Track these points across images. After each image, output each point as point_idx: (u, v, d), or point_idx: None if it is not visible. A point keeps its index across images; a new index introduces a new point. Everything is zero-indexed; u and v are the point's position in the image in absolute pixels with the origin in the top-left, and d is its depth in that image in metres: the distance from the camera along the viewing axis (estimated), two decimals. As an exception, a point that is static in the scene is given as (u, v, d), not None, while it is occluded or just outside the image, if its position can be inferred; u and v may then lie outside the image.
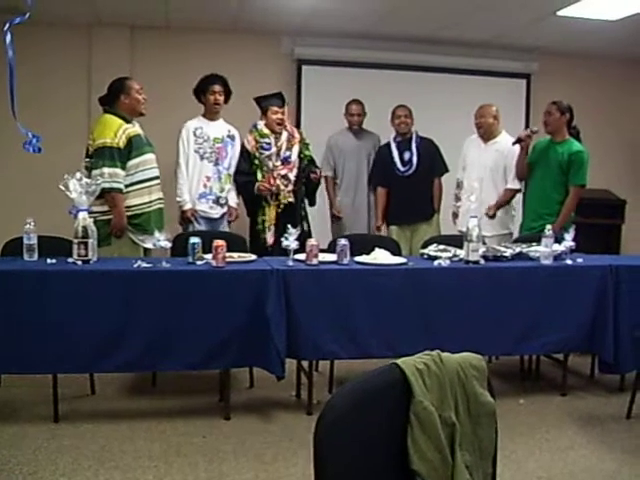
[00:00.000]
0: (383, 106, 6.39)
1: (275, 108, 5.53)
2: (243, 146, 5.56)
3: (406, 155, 6.00)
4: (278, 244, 4.39)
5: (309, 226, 5.66)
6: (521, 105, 7.76)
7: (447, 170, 6.11)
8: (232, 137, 5.61)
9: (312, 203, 5.87)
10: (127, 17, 6.64)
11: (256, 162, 5.48)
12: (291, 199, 5.46)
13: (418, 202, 6.03)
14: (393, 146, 6.07)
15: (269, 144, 5.49)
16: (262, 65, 7.16)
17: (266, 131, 5.52)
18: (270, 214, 5.43)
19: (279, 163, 5.46)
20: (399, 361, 1.63)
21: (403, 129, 6.01)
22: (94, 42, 6.87)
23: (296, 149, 5.56)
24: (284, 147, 5.51)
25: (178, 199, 5.44)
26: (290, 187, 5.47)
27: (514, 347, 4.36)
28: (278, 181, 5.43)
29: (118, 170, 4.62)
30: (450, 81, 7.41)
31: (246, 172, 5.51)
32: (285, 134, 5.54)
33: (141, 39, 6.97)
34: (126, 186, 4.69)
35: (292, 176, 5.49)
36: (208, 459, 3.46)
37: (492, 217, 5.67)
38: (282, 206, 5.44)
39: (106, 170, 4.57)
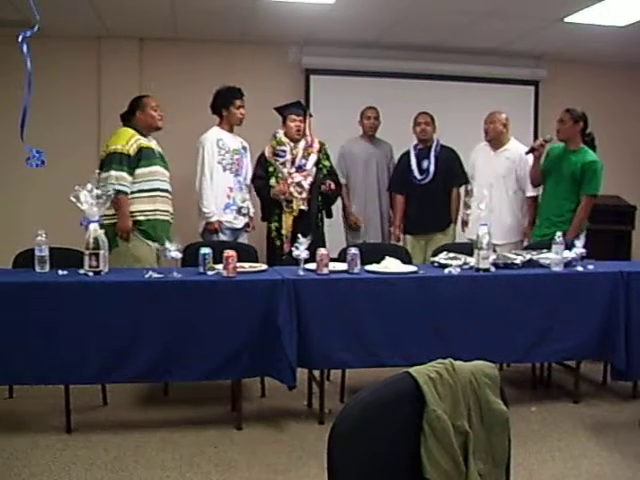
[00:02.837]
0: (391, 114, 6.43)
1: (293, 116, 5.59)
2: (262, 154, 5.65)
3: (424, 163, 5.99)
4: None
5: (323, 236, 5.68)
6: (530, 112, 7.77)
7: (467, 181, 6.01)
8: (245, 148, 5.69)
9: (329, 215, 5.89)
10: (136, 29, 6.70)
11: (271, 169, 5.55)
12: (304, 207, 5.49)
13: (434, 212, 5.99)
14: (412, 154, 6.07)
15: (284, 152, 5.57)
16: (270, 75, 7.20)
17: (284, 139, 5.60)
18: (287, 222, 5.47)
19: (293, 170, 5.50)
20: (411, 370, 1.63)
21: (424, 136, 6.01)
22: (103, 54, 6.93)
23: (313, 158, 5.59)
24: (300, 155, 5.56)
25: (205, 210, 5.45)
26: (304, 195, 5.50)
27: (526, 354, 4.33)
28: (292, 188, 5.46)
29: (125, 174, 4.76)
30: (458, 89, 7.42)
31: (262, 177, 5.59)
32: (302, 143, 5.60)
33: (150, 50, 7.02)
34: (132, 192, 4.82)
35: (306, 184, 5.52)
36: (220, 469, 3.46)
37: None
38: (295, 213, 5.47)
39: (113, 173, 4.72)
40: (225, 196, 5.50)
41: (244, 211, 5.59)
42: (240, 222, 5.59)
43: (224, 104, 5.55)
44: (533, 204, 5.78)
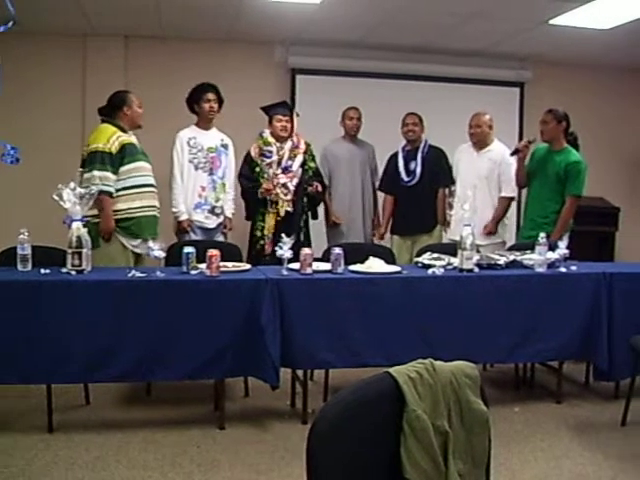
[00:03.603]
0: (377, 115, 6.45)
1: (279, 116, 5.59)
2: (248, 153, 5.62)
3: (412, 165, 5.99)
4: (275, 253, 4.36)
5: (308, 236, 5.69)
6: (515, 113, 7.80)
7: (453, 182, 5.98)
8: (225, 146, 5.62)
9: (314, 216, 5.90)
10: (121, 27, 6.66)
11: (257, 169, 5.53)
12: (289, 208, 5.48)
13: (420, 213, 5.99)
14: (400, 155, 6.08)
15: (271, 152, 5.56)
16: (256, 74, 7.19)
17: (270, 139, 5.59)
18: (269, 222, 5.46)
19: (279, 171, 5.50)
20: (391, 370, 1.63)
21: (411, 137, 6.01)
22: (89, 51, 6.89)
23: (299, 159, 5.60)
24: (286, 156, 5.56)
25: (174, 210, 5.44)
26: (289, 196, 5.50)
27: (509, 355, 4.35)
28: (277, 189, 5.45)
29: (109, 174, 4.66)
30: (444, 90, 7.44)
31: (249, 176, 5.58)
32: (289, 143, 5.60)
33: (135, 48, 6.99)
34: (117, 190, 4.73)
35: (292, 185, 5.52)
36: (203, 469, 3.45)
37: (494, 233, 5.70)
38: (280, 215, 5.45)
39: (97, 173, 4.62)
40: (196, 195, 5.46)
41: (217, 211, 5.52)
42: (213, 222, 5.53)
43: (196, 100, 5.54)
44: (505, 204, 5.79)
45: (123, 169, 4.74)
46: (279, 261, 4.10)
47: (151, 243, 3.97)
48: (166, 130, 5.58)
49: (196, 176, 5.46)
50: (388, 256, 4.72)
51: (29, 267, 3.94)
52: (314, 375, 4.73)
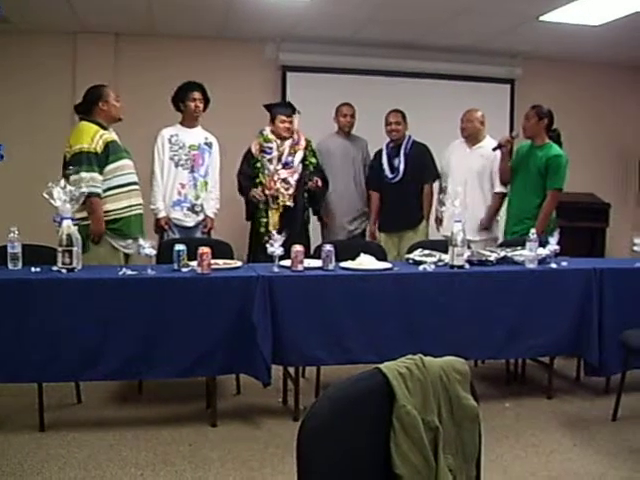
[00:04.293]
0: (368, 111, 6.43)
1: (283, 117, 5.65)
2: (249, 150, 5.66)
3: (395, 162, 6.00)
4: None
5: (308, 232, 5.75)
6: (505, 110, 7.81)
7: (439, 177, 6.04)
8: (209, 144, 5.58)
9: (315, 212, 5.94)
10: (111, 24, 6.64)
11: (258, 165, 5.58)
12: (290, 203, 5.52)
13: (404, 210, 6.00)
14: (384, 152, 6.09)
15: (271, 148, 5.61)
16: (247, 72, 7.19)
17: (271, 136, 5.65)
18: (273, 218, 5.49)
19: (280, 167, 5.51)
20: (381, 366, 1.63)
21: (394, 136, 6.02)
22: (79, 49, 6.87)
23: (299, 155, 5.65)
24: (286, 152, 5.62)
25: (152, 207, 5.41)
26: (290, 191, 5.53)
27: (499, 351, 4.37)
28: (278, 184, 5.49)
29: (96, 175, 4.58)
30: (434, 86, 7.45)
31: (247, 174, 5.61)
32: (289, 140, 5.66)
33: (125, 46, 6.97)
34: (104, 191, 4.65)
35: (293, 180, 5.56)
36: (195, 466, 3.44)
37: (488, 228, 5.74)
38: (282, 210, 5.50)
39: (84, 175, 4.51)
40: (176, 192, 5.43)
41: (197, 209, 5.48)
42: (192, 220, 5.48)
43: (181, 99, 5.51)
44: (499, 199, 5.80)
45: (108, 168, 4.66)
46: (284, 257, 4.11)
47: (142, 241, 3.95)
48: (156, 127, 5.56)
49: (176, 173, 5.43)
50: (379, 253, 4.73)
51: (19, 265, 3.92)
52: (306, 372, 4.73)
